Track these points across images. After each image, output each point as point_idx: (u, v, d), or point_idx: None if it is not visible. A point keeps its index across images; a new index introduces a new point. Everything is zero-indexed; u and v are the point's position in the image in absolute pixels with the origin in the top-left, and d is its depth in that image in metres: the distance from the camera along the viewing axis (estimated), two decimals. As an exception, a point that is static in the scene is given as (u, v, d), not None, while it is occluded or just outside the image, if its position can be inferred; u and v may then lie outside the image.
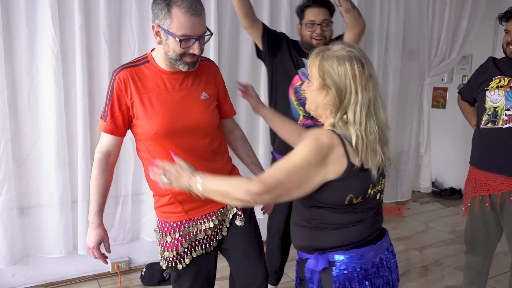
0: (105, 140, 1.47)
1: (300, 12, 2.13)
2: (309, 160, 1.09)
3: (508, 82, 2.02)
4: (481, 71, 2.18)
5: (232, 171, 1.67)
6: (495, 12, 3.94)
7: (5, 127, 2.20)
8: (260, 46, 2.18)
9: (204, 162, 1.51)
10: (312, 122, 2.10)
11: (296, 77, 2.13)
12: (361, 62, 1.12)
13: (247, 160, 1.72)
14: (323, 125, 1.23)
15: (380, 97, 1.16)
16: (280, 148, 2.18)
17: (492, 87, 2.06)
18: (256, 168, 1.71)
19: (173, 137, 1.44)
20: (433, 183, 4.47)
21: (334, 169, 1.11)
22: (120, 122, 1.43)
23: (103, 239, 1.49)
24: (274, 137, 2.25)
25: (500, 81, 2.05)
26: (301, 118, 2.14)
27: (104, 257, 1.50)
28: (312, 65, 1.17)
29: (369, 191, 1.18)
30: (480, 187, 2.10)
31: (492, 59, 2.17)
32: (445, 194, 4.40)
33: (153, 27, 1.41)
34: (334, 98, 1.14)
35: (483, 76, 2.13)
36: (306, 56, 2.10)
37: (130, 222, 2.67)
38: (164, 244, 1.55)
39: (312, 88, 1.19)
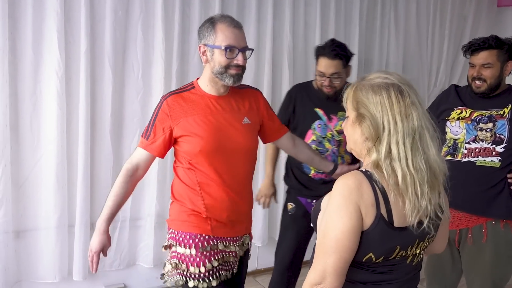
0: (139, 154, 1.57)
1: (316, 56, 2.13)
2: (347, 223, 0.95)
3: (470, 114, 1.92)
4: (443, 99, 2.07)
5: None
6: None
7: (5, 149, 2.18)
8: None
9: (242, 186, 1.58)
10: (324, 176, 2.10)
11: (309, 132, 2.13)
12: (399, 88, 1.00)
13: (316, 158, 1.88)
14: (332, 180, 1.12)
15: (428, 130, 1.00)
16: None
17: (454, 117, 1.95)
18: (326, 160, 1.96)
19: (217, 156, 1.52)
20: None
21: (365, 218, 0.96)
22: (160, 142, 1.53)
23: (106, 246, 1.55)
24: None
25: (461, 112, 1.95)
26: (312, 171, 2.16)
27: (95, 265, 1.52)
28: (347, 98, 1.08)
29: (396, 253, 1.01)
30: None
31: (455, 87, 2.07)
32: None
33: (199, 48, 1.54)
34: (369, 128, 1.00)
35: (444, 105, 2.03)
36: (319, 106, 2.13)
37: (127, 247, 2.62)
38: (188, 258, 1.48)
39: (349, 123, 1.08)
